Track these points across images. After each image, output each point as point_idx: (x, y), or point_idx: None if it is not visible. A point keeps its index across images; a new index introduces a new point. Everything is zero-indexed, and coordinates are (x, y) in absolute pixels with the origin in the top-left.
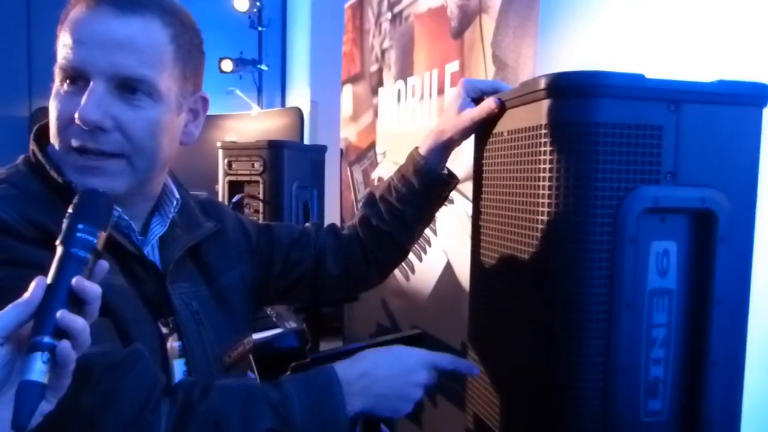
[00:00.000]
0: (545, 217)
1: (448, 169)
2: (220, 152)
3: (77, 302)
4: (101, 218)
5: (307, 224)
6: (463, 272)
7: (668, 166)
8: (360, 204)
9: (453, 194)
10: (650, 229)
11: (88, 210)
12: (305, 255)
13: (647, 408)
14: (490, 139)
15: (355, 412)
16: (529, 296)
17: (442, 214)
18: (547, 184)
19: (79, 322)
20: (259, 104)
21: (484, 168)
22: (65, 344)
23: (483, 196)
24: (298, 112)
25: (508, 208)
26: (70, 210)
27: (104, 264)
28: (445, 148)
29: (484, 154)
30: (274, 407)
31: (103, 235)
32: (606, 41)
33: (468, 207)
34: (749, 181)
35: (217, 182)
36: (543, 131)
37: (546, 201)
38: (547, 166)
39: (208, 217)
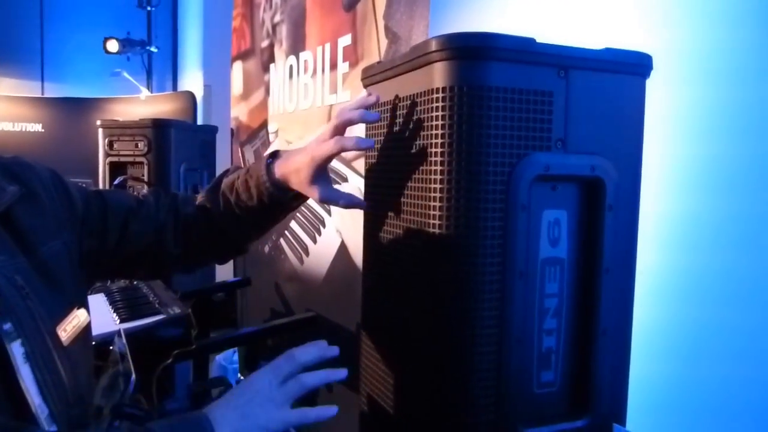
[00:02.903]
0: (438, 185)
1: (297, 192)
2: (100, 131)
3: None
4: None
5: (144, 192)
6: (358, 251)
7: (559, 133)
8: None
9: (346, 171)
10: (542, 198)
11: None
12: (147, 229)
13: (540, 379)
14: (381, 108)
15: None
16: (423, 268)
17: None
18: (439, 150)
19: None
20: (148, 88)
21: (376, 140)
22: None
23: (375, 168)
24: (191, 96)
25: (400, 179)
26: None
27: None
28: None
29: (374, 123)
30: None
31: None
32: (500, 13)
33: (362, 183)
34: (634, 150)
35: (97, 164)
36: (434, 96)
37: (438, 168)
38: (439, 132)
39: (9, 180)
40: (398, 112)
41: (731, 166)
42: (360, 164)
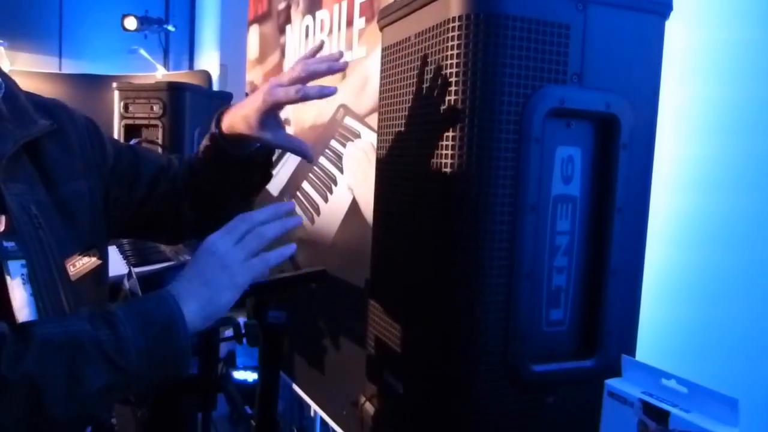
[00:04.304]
0: (451, 115)
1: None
2: (116, 93)
3: None
4: None
5: (172, 157)
6: (369, 207)
7: (575, 67)
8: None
9: (359, 127)
10: (556, 134)
11: None
12: (170, 189)
13: (549, 317)
14: (396, 48)
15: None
16: (434, 200)
17: (348, 150)
18: (453, 80)
19: None
20: (165, 66)
21: (390, 81)
22: None
23: (389, 111)
24: (207, 76)
25: (413, 116)
26: None
27: None
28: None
29: (390, 65)
30: (106, 356)
31: None
32: None
33: (374, 138)
34: (651, 90)
35: (112, 126)
36: (450, 25)
37: (452, 98)
38: (454, 61)
39: (43, 115)
40: (411, 50)
41: (754, 109)
42: (373, 120)
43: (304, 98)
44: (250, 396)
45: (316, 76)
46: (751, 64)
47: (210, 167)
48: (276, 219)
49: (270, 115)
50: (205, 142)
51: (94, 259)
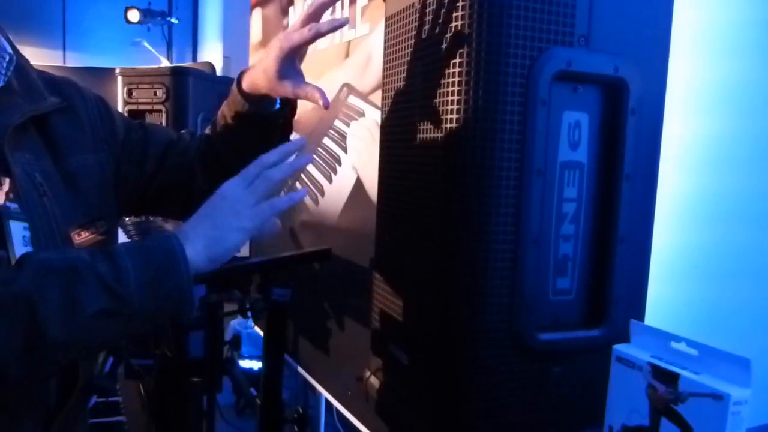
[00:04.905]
0: (456, 78)
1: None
2: (119, 79)
3: None
4: None
5: (183, 131)
6: (374, 186)
7: (582, 29)
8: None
9: (363, 106)
10: (563, 99)
11: None
12: (182, 162)
13: (556, 286)
14: (400, 15)
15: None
16: (439, 165)
17: (352, 129)
18: (458, 41)
19: None
20: (168, 59)
21: (394, 49)
22: None
23: (393, 78)
24: (210, 68)
25: (417, 83)
26: None
27: None
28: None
29: (394, 33)
30: (104, 283)
31: None
32: None
33: (378, 116)
34: (660, 55)
35: None
36: None
37: (457, 60)
38: (459, 23)
39: (53, 92)
40: (415, 15)
41: (764, 87)
42: (377, 97)
43: (318, 34)
44: (256, 383)
45: (325, 7)
46: (760, 43)
47: (229, 132)
48: (285, 158)
49: (289, 63)
50: (223, 107)
51: (100, 231)
